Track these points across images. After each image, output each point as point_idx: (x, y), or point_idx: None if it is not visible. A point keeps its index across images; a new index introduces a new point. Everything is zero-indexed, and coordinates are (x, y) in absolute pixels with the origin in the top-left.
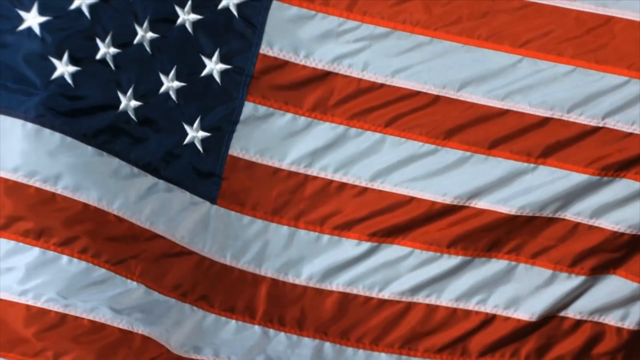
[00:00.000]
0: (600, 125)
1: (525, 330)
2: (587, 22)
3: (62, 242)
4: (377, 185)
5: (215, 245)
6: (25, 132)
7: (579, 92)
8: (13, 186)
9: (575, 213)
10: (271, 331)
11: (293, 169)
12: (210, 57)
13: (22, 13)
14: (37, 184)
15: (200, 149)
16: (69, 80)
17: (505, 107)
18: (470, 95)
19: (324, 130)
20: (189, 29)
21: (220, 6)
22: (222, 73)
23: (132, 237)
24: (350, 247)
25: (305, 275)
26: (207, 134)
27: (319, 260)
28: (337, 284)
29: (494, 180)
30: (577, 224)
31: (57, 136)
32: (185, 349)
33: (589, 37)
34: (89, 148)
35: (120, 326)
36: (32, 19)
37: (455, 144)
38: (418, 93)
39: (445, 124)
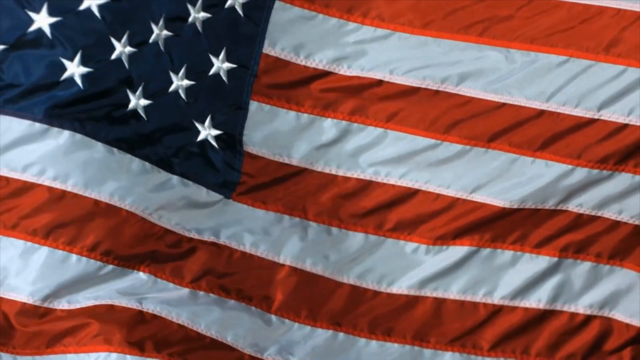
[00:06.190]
0: (596, 117)
1: (534, 321)
2: (580, 13)
3: (70, 240)
4: (381, 178)
5: (234, 236)
6: (33, 132)
7: (574, 84)
8: (22, 186)
9: (577, 205)
10: (287, 321)
11: (302, 164)
12: (217, 55)
13: (31, 14)
14: (47, 182)
15: (216, 146)
16: (79, 82)
17: (502, 101)
18: (469, 90)
19: (328, 127)
20: (199, 27)
21: (227, 5)
22: (229, 72)
23: (144, 235)
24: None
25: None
26: (220, 132)
27: (333, 252)
28: (349, 277)
29: (494, 173)
30: (580, 215)
31: (65, 134)
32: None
33: (582, 27)
34: (99, 145)
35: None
36: (42, 20)
37: (455, 138)
38: (418, 89)
39: (445, 118)
